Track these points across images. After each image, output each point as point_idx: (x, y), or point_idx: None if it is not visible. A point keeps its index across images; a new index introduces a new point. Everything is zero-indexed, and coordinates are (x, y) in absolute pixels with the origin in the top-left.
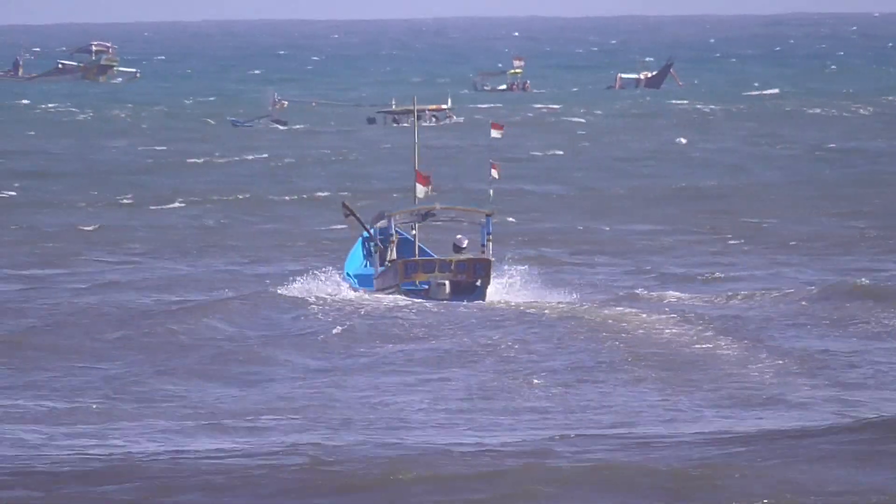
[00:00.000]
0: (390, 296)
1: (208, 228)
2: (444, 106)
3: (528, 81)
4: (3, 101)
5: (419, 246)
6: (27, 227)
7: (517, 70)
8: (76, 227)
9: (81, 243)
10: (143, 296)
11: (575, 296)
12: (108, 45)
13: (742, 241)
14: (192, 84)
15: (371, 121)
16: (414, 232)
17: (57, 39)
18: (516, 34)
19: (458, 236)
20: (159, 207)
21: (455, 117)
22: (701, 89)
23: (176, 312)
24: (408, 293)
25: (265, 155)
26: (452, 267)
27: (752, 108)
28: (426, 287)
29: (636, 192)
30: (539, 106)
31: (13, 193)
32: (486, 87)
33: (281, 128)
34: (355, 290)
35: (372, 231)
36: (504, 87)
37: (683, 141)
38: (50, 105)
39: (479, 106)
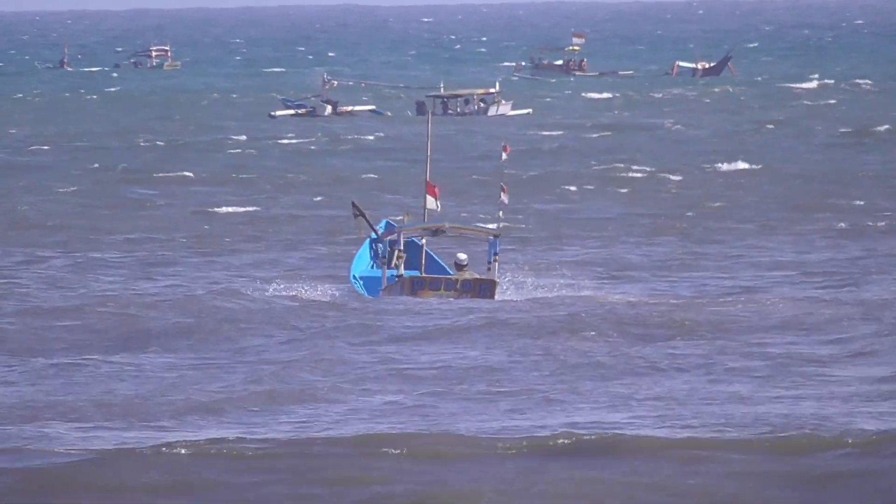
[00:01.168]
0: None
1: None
2: (492, 90)
3: (585, 60)
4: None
5: (427, 252)
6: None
7: (575, 47)
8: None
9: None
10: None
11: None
12: (167, 48)
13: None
14: (272, 72)
15: (420, 107)
16: (423, 240)
17: (101, 29)
18: (603, 18)
19: (460, 255)
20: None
21: (504, 102)
22: (767, 77)
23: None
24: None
25: (318, 138)
26: (458, 286)
27: (837, 95)
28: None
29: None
30: (595, 95)
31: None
32: (543, 62)
33: (329, 107)
34: (362, 295)
35: (380, 233)
36: (560, 62)
37: (770, 126)
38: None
39: (536, 93)
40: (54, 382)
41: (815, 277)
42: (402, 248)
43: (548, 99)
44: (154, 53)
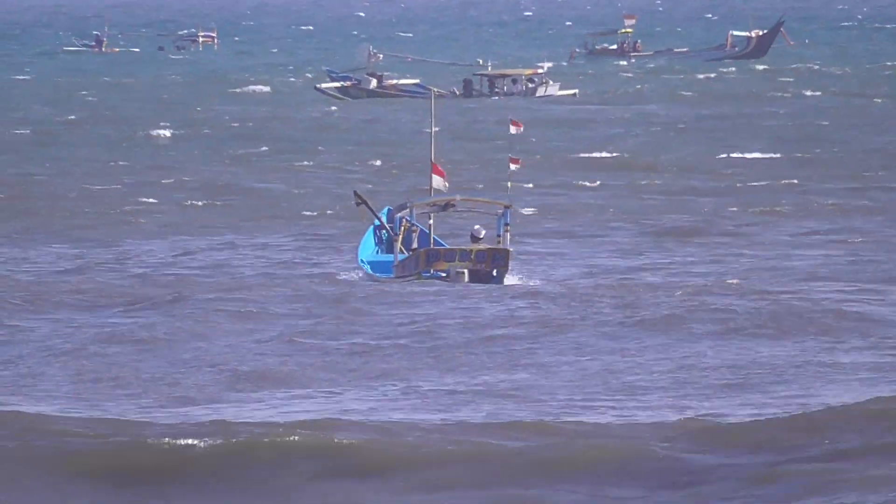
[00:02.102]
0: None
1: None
2: (539, 70)
3: (640, 41)
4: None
5: (434, 238)
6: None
7: (628, 29)
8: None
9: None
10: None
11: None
12: (213, 34)
13: None
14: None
15: (467, 85)
16: (430, 222)
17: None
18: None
19: (476, 226)
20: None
21: (552, 82)
22: (821, 50)
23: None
24: (427, 279)
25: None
26: (472, 256)
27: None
28: (445, 274)
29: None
30: (651, 76)
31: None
32: (597, 48)
33: (374, 80)
34: (371, 276)
35: (384, 219)
36: (615, 46)
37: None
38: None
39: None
40: None
41: None
42: (414, 223)
43: (609, 80)
44: (201, 39)
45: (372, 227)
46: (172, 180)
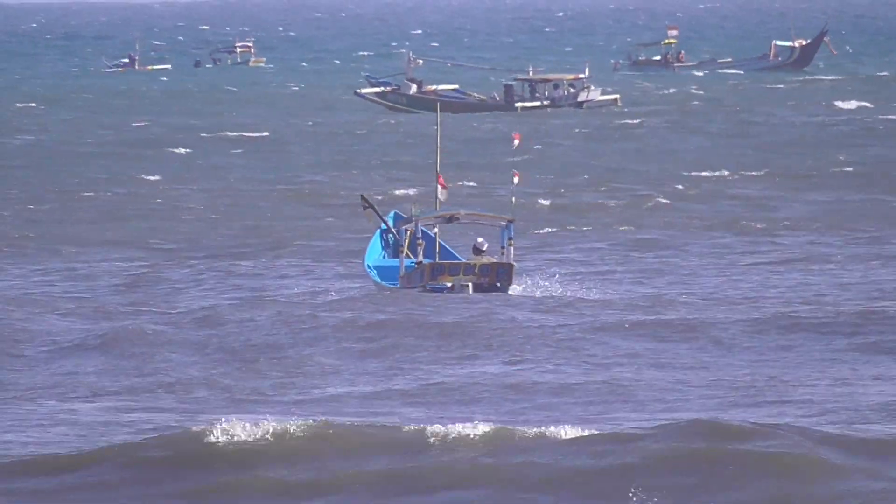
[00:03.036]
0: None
1: None
2: (581, 76)
3: (683, 52)
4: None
5: (440, 243)
6: None
7: (671, 40)
8: None
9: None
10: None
11: None
12: (250, 45)
13: None
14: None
15: (508, 90)
16: (435, 230)
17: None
18: (702, 7)
19: (479, 239)
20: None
21: (593, 88)
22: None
23: None
24: (432, 290)
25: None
26: (476, 270)
27: None
28: (450, 285)
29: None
30: (694, 89)
31: None
32: (640, 58)
33: (413, 86)
34: (378, 284)
35: (391, 225)
36: (658, 57)
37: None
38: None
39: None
40: None
41: None
42: (419, 236)
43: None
44: (238, 49)
45: (378, 231)
46: (250, 187)
